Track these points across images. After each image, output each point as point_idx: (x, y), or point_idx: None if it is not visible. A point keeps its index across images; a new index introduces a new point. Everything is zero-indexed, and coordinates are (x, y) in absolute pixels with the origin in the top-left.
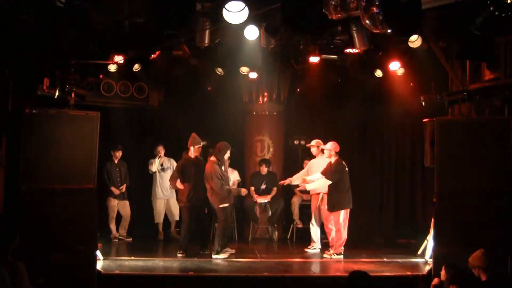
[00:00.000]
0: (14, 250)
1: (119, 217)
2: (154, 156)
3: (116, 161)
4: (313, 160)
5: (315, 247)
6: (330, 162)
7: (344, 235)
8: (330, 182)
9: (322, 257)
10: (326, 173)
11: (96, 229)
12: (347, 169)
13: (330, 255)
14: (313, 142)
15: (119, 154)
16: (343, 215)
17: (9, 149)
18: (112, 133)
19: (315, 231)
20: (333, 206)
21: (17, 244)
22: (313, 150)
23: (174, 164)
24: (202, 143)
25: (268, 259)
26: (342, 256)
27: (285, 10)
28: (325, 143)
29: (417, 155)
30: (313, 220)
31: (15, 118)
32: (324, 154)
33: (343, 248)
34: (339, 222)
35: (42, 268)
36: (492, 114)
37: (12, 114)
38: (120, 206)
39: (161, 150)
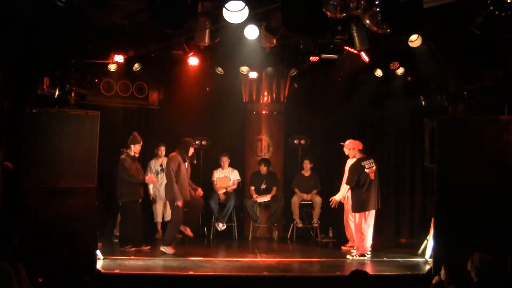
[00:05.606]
0: (13, 249)
1: None
2: (154, 156)
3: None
4: (348, 160)
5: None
6: (351, 165)
7: (367, 237)
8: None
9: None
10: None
11: (96, 229)
12: (366, 170)
13: (352, 256)
14: (347, 142)
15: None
16: (359, 217)
17: (9, 149)
18: (112, 133)
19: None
20: (353, 207)
21: (16, 244)
22: (346, 150)
23: None
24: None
25: (268, 259)
26: (365, 258)
27: (285, 9)
28: (325, 142)
29: (417, 155)
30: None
31: (15, 118)
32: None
33: (368, 248)
34: (357, 223)
35: (42, 268)
36: (491, 114)
37: (12, 113)
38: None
39: (163, 150)
